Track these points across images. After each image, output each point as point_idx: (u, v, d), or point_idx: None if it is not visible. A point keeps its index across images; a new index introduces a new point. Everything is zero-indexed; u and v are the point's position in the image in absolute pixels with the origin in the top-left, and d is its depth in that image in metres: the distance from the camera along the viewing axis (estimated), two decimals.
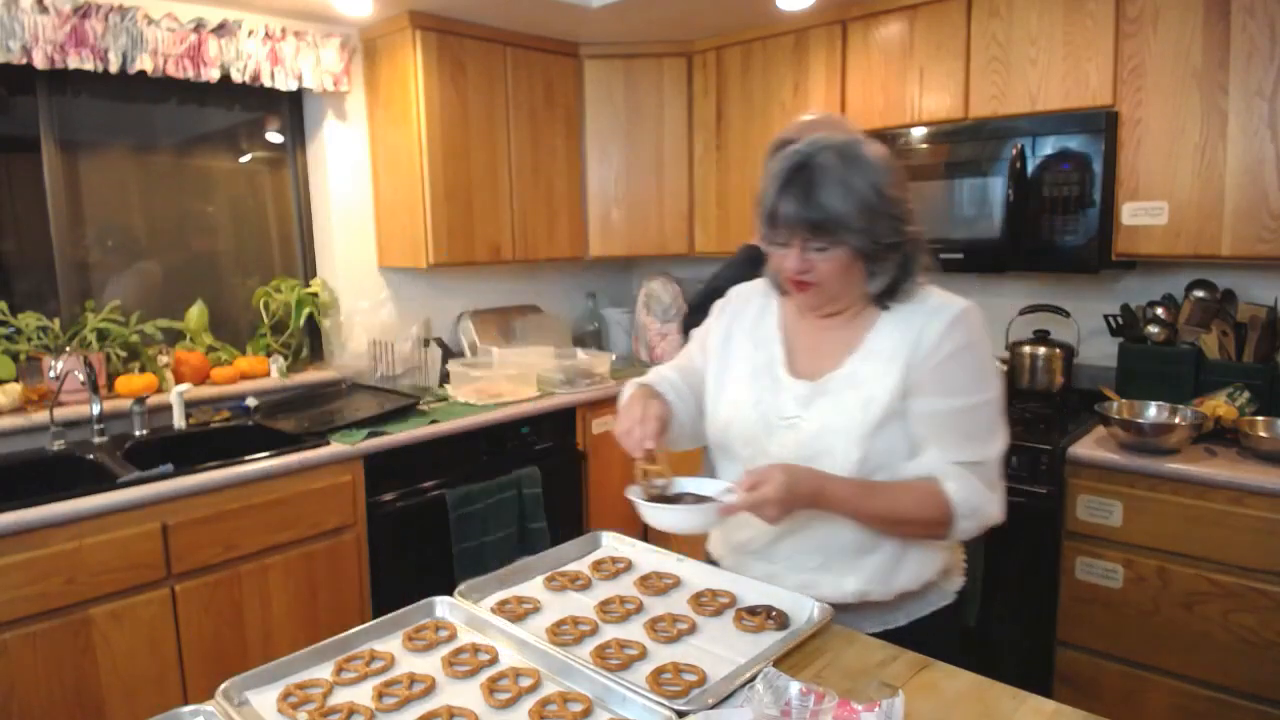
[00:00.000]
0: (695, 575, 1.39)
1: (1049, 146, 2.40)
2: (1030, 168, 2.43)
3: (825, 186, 1.21)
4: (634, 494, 1.26)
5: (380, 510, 2.50)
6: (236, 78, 2.68)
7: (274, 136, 3.08)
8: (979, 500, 1.22)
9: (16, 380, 2.41)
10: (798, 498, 1.18)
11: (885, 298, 1.29)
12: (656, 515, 1.23)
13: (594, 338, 3.86)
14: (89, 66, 2.38)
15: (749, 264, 1.73)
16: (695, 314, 1.75)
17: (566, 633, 1.20)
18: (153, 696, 2.03)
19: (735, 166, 3.31)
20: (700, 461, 1.71)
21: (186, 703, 1.07)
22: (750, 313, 1.44)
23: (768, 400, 1.33)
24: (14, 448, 2.33)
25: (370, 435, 2.47)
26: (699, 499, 1.27)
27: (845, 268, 1.25)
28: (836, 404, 1.27)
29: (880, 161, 1.24)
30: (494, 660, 1.13)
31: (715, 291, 1.66)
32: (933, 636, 1.23)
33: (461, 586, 1.33)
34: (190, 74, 2.57)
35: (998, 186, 2.49)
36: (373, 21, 2.94)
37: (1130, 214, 2.35)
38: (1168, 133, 2.27)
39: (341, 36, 2.92)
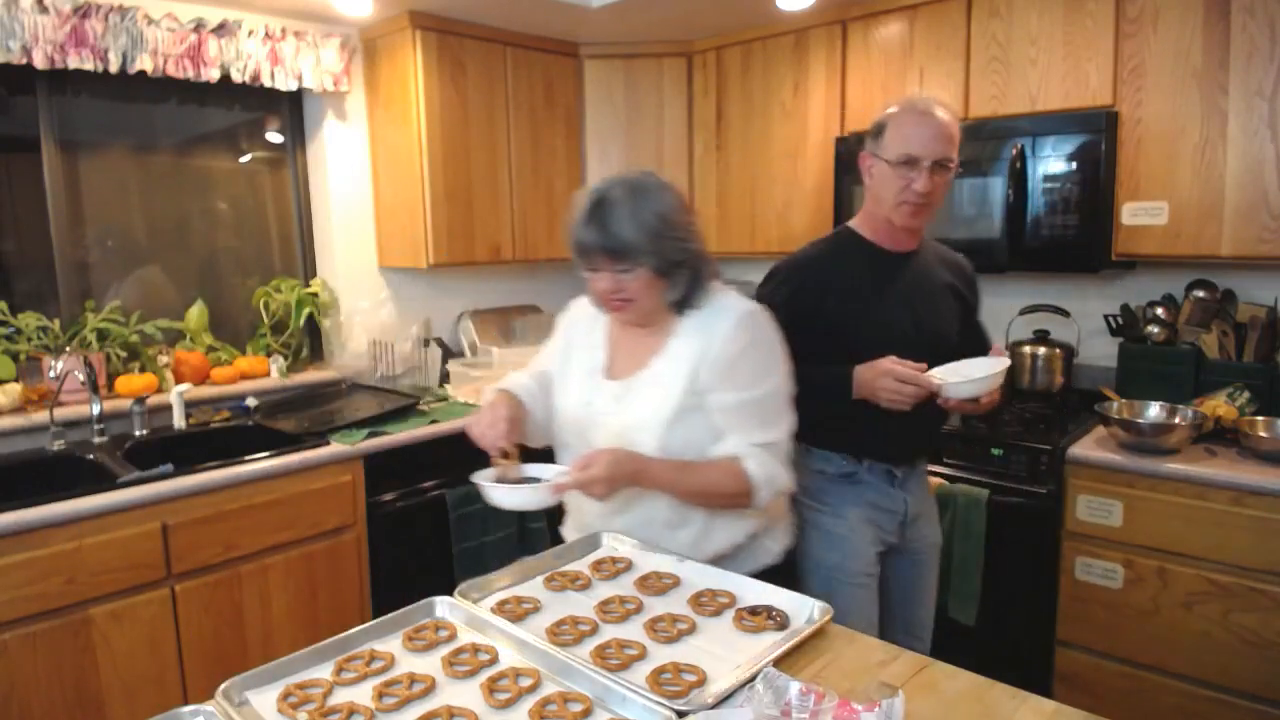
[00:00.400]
0: (695, 575, 1.39)
1: (1049, 146, 2.40)
2: (1030, 168, 2.43)
3: (617, 219, 1.40)
4: (478, 477, 1.40)
5: (380, 510, 2.50)
6: (236, 78, 2.68)
7: (274, 136, 3.09)
8: (772, 473, 1.44)
9: (16, 380, 2.41)
10: (620, 476, 1.37)
11: (682, 305, 1.48)
12: (496, 495, 1.37)
13: None
14: (89, 66, 2.38)
15: (828, 243, 1.83)
16: (764, 284, 1.83)
17: (566, 633, 1.20)
18: (153, 696, 2.03)
19: (735, 166, 3.31)
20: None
21: (186, 703, 1.07)
22: (584, 324, 1.64)
23: (593, 399, 1.55)
24: (14, 448, 2.33)
25: (370, 435, 2.47)
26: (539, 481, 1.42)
27: (649, 285, 1.44)
28: (640, 400, 1.49)
29: (664, 193, 1.44)
30: (494, 660, 1.13)
31: (792, 263, 1.81)
32: None
33: (461, 586, 1.33)
34: (190, 74, 2.57)
35: (998, 186, 2.49)
36: (373, 21, 2.94)
37: (1130, 214, 2.35)
38: (1168, 133, 2.27)
39: (341, 36, 2.92)
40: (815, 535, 1.84)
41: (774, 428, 1.46)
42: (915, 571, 1.90)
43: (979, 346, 1.87)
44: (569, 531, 1.67)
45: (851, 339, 1.70)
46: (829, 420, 1.77)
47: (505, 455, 1.43)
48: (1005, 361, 1.67)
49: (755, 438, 1.44)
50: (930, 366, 1.63)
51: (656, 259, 1.41)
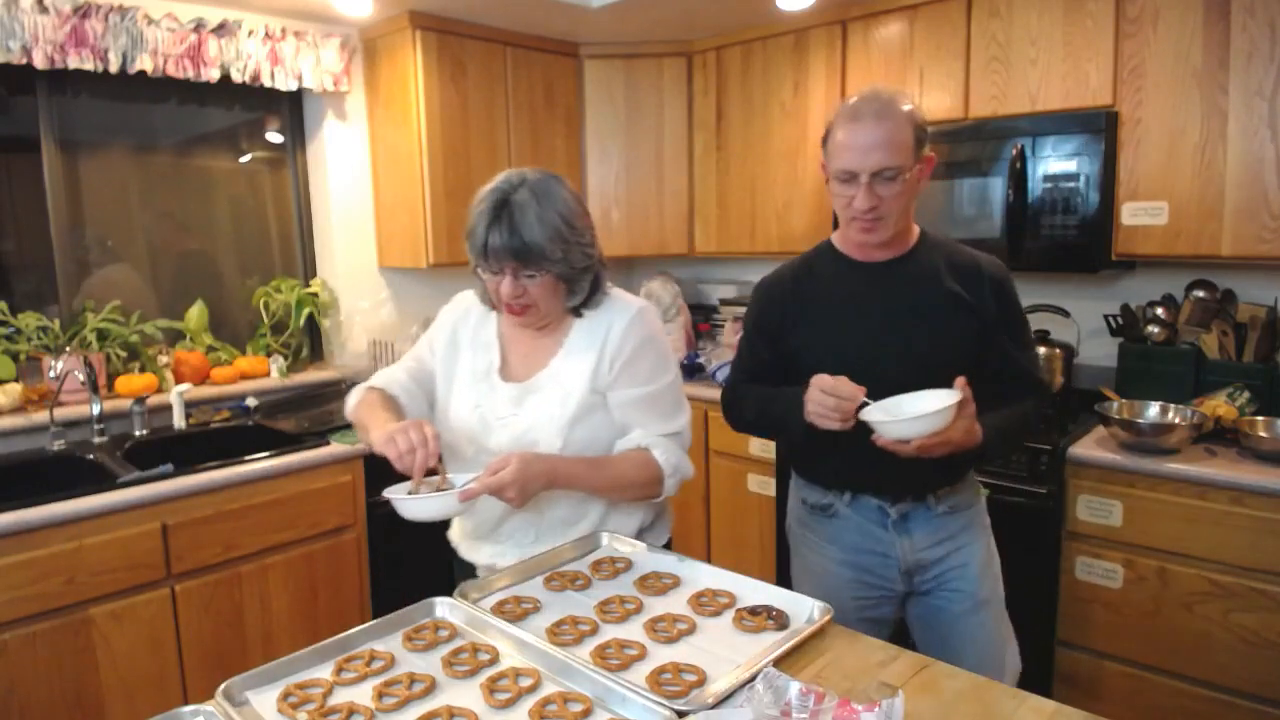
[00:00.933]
0: (695, 575, 1.39)
1: (1049, 146, 2.40)
2: (1030, 168, 2.43)
3: (525, 222, 1.36)
4: (391, 493, 1.33)
5: (380, 510, 2.49)
6: (236, 78, 2.68)
7: (274, 136, 3.09)
8: (678, 461, 1.49)
9: (16, 380, 2.41)
10: (533, 479, 1.34)
11: (580, 307, 1.49)
12: (405, 508, 1.31)
13: None
14: (89, 66, 2.38)
15: (802, 259, 1.68)
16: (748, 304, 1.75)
17: (566, 633, 1.20)
18: (153, 696, 2.03)
19: (735, 166, 3.31)
20: None
21: (186, 703, 1.07)
22: (472, 320, 1.57)
23: (486, 403, 1.49)
24: (14, 448, 2.33)
25: None
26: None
27: (552, 290, 1.43)
28: (542, 400, 1.47)
29: (566, 194, 1.42)
30: (494, 660, 1.13)
31: (760, 284, 1.70)
32: None
33: (461, 586, 1.33)
34: (190, 74, 2.57)
35: (998, 186, 2.49)
36: (373, 21, 2.94)
37: (1130, 214, 2.35)
38: (1168, 133, 2.27)
39: (341, 36, 2.92)
40: (797, 564, 1.74)
41: (675, 419, 1.52)
42: (949, 628, 1.61)
43: (1014, 372, 1.57)
44: (455, 535, 1.63)
45: (817, 363, 1.50)
46: (800, 445, 1.63)
47: (433, 473, 1.35)
48: (952, 395, 1.36)
49: (660, 429, 1.49)
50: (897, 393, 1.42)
51: (564, 265, 1.40)
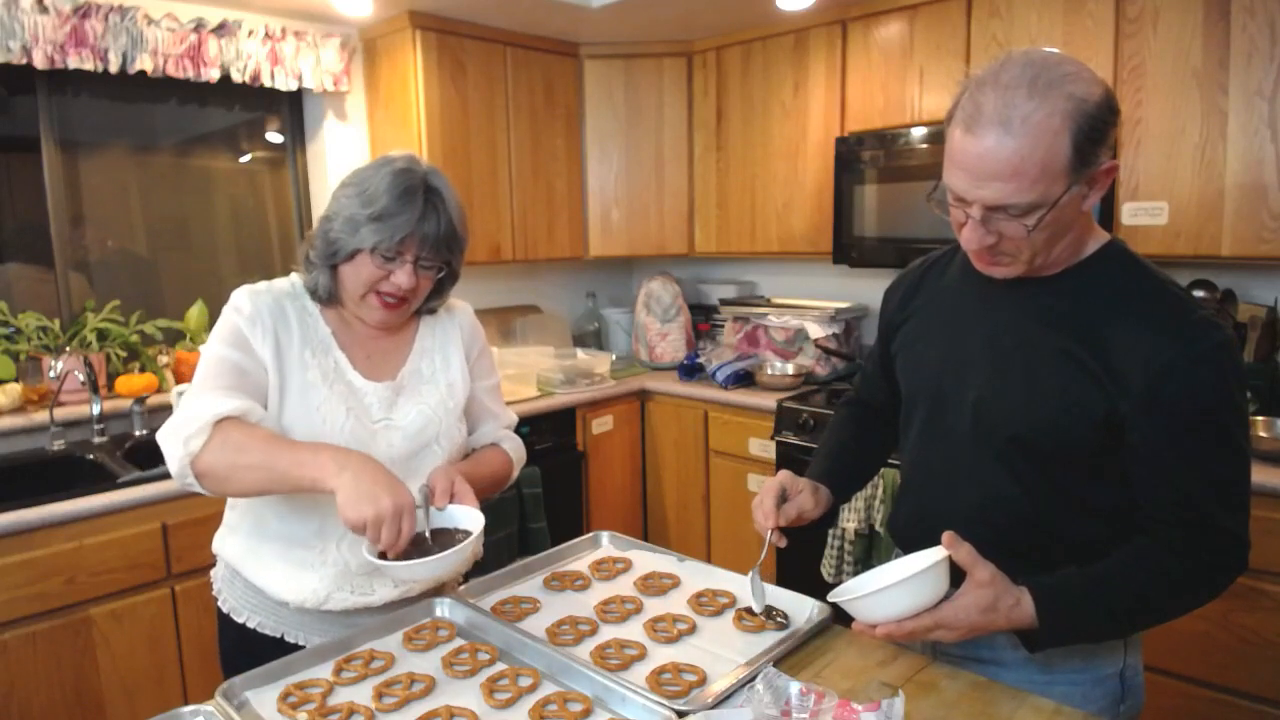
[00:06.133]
0: (695, 575, 1.39)
1: None
2: None
3: (450, 208, 1.30)
4: (377, 559, 1.11)
5: None
6: (236, 78, 2.68)
7: (274, 136, 3.09)
8: (521, 452, 1.54)
9: (16, 380, 2.41)
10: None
11: (434, 304, 1.44)
12: (420, 570, 1.13)
13: (594, 338, 3.86)
14: (89, 66, 2.38)
15: (942, 251, 1.37)
16: None
17: (566, 633, 1.20)
18: (153, 696, 2.03)
19: (735, 166, 3.31)
20: None
21: (186, 703, 1.07)
22: (292, 320, 1.36)
23: (354, 405, 1.32)
24: (14, 448, 2.33)
25: None
26: (436, 533, 1.20)
27: (428, 283, 1.35)
28: (422, 397, 1.39)
29: None
30: (494, 660, 1.13)
31: (896, 277, 1.43)
32: None
33: (461, 587, 1.33)
34: (190, 74, 2.57)
35: None
36: (373, 21, 2.94)
37: (1130, 214, 2.35)
38: (1168, 133, 2.27)
39: (341, 36, 2.92)
40: None
41: (508, 411, 1.57)
42: None
43: (1159, 506, 1.10)
44: (316, 584, 1.31)
45: (903, 378, 1.30)
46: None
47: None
48: (929, 556, 1.03)
49: (504, 421, 1.54)
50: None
51: (459, 258, 1.36)
